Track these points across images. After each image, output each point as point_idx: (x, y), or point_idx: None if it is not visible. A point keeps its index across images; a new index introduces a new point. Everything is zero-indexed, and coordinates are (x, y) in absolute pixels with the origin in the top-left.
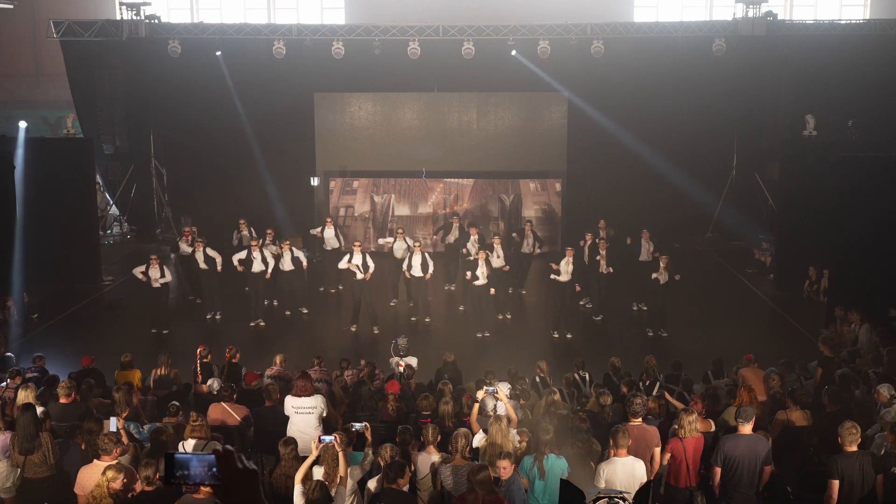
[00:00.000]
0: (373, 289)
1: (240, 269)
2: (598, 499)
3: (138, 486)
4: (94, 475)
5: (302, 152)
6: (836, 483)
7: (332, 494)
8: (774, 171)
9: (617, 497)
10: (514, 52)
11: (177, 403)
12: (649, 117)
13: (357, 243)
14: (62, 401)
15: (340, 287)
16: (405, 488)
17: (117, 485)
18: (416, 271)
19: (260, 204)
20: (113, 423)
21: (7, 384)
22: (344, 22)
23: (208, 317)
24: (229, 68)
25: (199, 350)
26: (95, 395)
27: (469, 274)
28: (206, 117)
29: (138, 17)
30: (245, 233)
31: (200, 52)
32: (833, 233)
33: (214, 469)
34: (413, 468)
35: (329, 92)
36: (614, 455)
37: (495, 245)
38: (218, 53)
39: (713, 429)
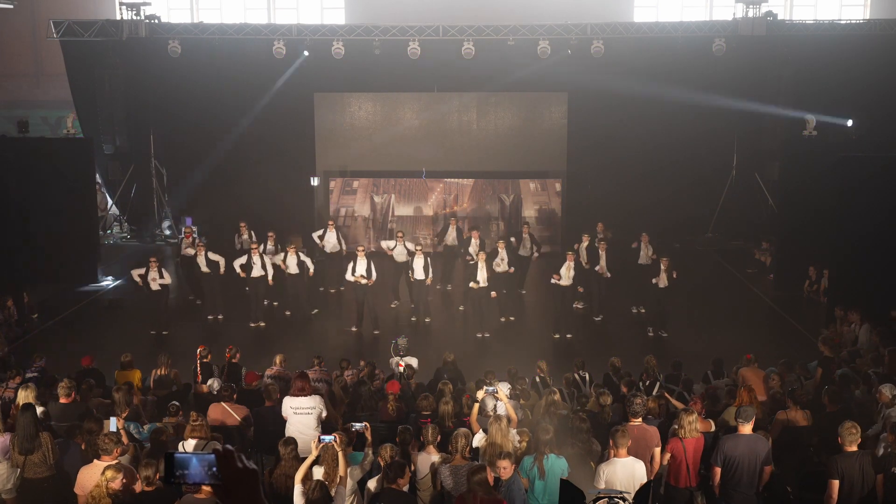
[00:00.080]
0: (375, 291)
1: (242, 274)
2: (598, 499)
3: (138, 486)
4: (94, 475)
5: (302, 152)
6: (836, 483)
7: (332, 494)
8: (774, 171)
9: (617, 497)
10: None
11: (177, 403)
12: (649, 117)
13: (360, 248)
14: (62, 401)
15: (342, 288)
16: (405, 488)
17: (116, 485)
18: (419, 274)
19: (260, 204)
20: (113, 423)
21: (7, 384)
22: (344, 22)
23: (209, 318)
24: (229, 68)
25: (199, 350)
26: (95, 395)
27: (473, 284)
28: (206, 117)
29: (138, 17)
30: (245, 236)
31: (200, 52)
32: (833, 233)
33: (214, 469)
34: (413, 468)
35: (329, 92)
36: (614, 455)
37: (500, 249)
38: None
39: (713, 429)
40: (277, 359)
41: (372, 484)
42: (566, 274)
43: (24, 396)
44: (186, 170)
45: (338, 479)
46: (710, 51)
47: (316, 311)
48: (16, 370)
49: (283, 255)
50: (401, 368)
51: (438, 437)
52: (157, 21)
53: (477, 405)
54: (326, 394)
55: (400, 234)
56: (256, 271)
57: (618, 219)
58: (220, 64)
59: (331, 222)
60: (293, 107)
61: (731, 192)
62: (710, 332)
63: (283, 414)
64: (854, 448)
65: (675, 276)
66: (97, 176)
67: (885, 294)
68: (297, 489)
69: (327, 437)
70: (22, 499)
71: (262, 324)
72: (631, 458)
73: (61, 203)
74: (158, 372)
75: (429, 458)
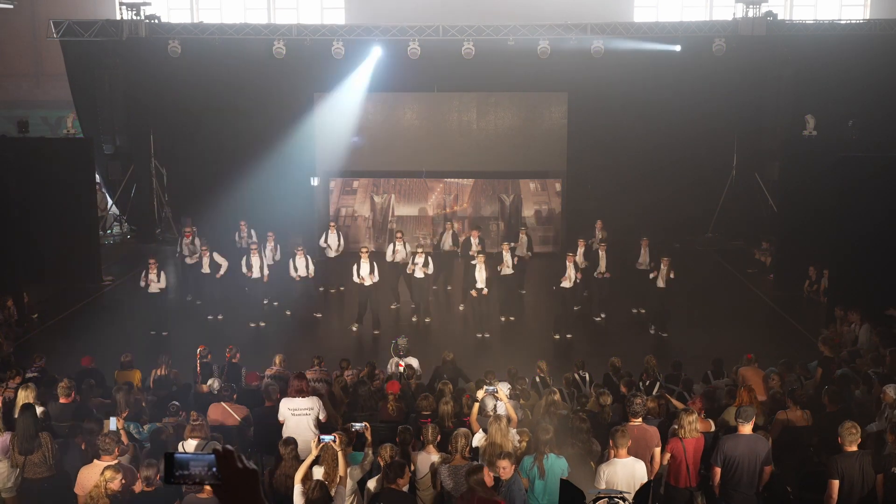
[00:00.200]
0: (377, 291)
1: (249, 274)
2: (598, 499)
3: (138, 486)
4: (94, 475)
5: (302, 152)
6: (836, 483)
7: (332, 494)
8: (774, 171)
9: (617, 497)
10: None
11: (177, 403)
12: (649, 117)
13: (364, 249)
14: (62, 401)
15: (342, 288)
16: (405, 488)
17: (115, 485)
18: (419, 273)
19: (260, 204)
20: (113, 423)
21: (7, 384)
22: (344, 22)
23: (209, 317)
24: (229, 68)
25: (199, 350)
26: (95, 395)
27: (473, 291)
28: (207, 117)
29: (138, 17)
30: (245, 235)
31: (200, 52)
32: (833, 233)
33: (214, 469)
34: (413, 468)
35: (329, 92)
36: (614, 456)
37: (504, 252)
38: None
39: (713, 429)
40: (277, 359)
41: (372, 484)
42: (570, 275)
43: (24, 396)
44: (186, 170)
45: (337, 479)
46: (710, 51)
47: (319, 314)
48: (16, 370)
49: (290, 258)
50: (401, 368)
51: (438, 437)
52: (157, 21)
53: (477, 405)
54: (326, 394)
55: (399, 234)
56: (255, 272)
57: (618, 219)
58: (220, 64)
59: (332, 224)
60: (293, 107)
61: (731, 192)
62: (710, 332)
63: (280, 417)
64: (854, 448)
65: (672, 275)
66: (97, 176)
67: (884, 294)
68: (297, 489)
69: (327, 437)
70: (22, 499)
71: (262, 324)
72: (631, 458)
73: (61, 203)
74: (158, 372)
75: (428, 457)
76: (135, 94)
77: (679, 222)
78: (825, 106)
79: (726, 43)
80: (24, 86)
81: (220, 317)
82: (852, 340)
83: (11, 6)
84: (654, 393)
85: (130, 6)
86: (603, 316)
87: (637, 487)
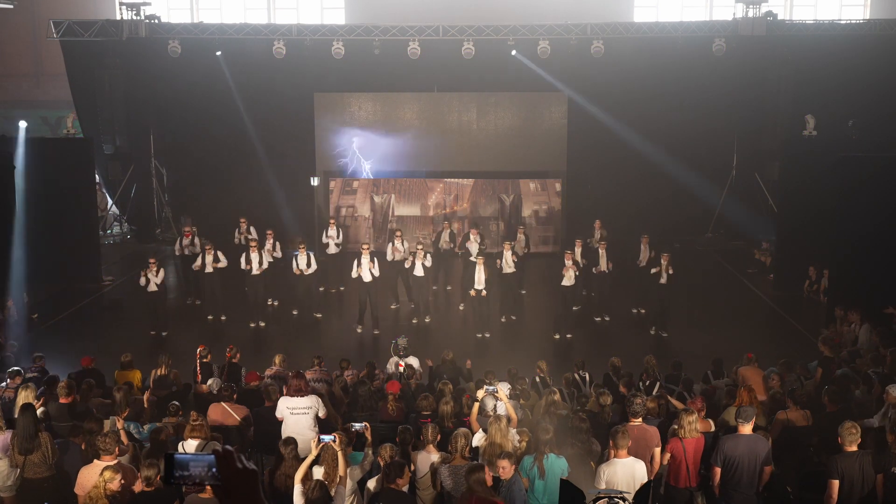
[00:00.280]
0: (377, 290)
1: (247, 267)
2: (598, 499)
3: (137, 486)
4: (94, 475)
5: (302, 152)
6: (836, 483)
7: (332, 494)
8: (774, 171)
9: (617, 497)
10: (514, 52)
11: (177, 403)
12: (649, 117)
13: (365, 245)
14: (62, 401)
15: (342, 287)
16: (405, 488)
17: (115, 485)
18: (418, 271)
19: (260, 204)
20: (113, 423)
21: (7, 384)
22: (344, 22)
23: (210, 318)
24: (229, 68)
25: (198, 350)
26: (95, 395)
27: (472, 291)
28: (206, 117)
29: (138, 17)
30: (245, 232)
31: (200, 52)
32: (833, 233)
33: (214, 469)
34: (413, 468)
35: (329, 92)
36: (614, 456)
37: (505, 252)
38: (218, 53)
39: (713, 429)
40: (277, 359)
41: (372, 484)
42: (568, 274)
43: (24, 396)
44: (186, 170)
45: (337, 479)
46: (710, 51)
47: (319, 315)
48: (16, 370)
49: (294, 255)
50: (401, 368)
51: (438, 437)
52: (157, 21)
53: (477, 405)
54: (326, 394)
55: (398, 233)
56: (255, 267)
57: (618, 219)
58: (220, 64)
59: (332, 220)
60: (293, 107)
61: (731, 192)
62: (710, 332)
63: (279, 414)
64: (854, 448)
65: (671, 271)
66: (97, 176)
67: (884, 294)
68: (297, 489)
69: (327, 437)
70: (22, 498)
71: (262, 324)
72: (631, 458)
73: (61, 203)
74: (158, 372)
75: (428, 457)
76: (135, 94)
77: (679, 222)
78: (825, 106)
79: (726, 43)
80: (24, 86)
81: (222, 317)
82: (852, 340)
83: (11, 6)
84: (654, 393)
85: (130, 6)
86: (607, 319)
87: (637, 487)
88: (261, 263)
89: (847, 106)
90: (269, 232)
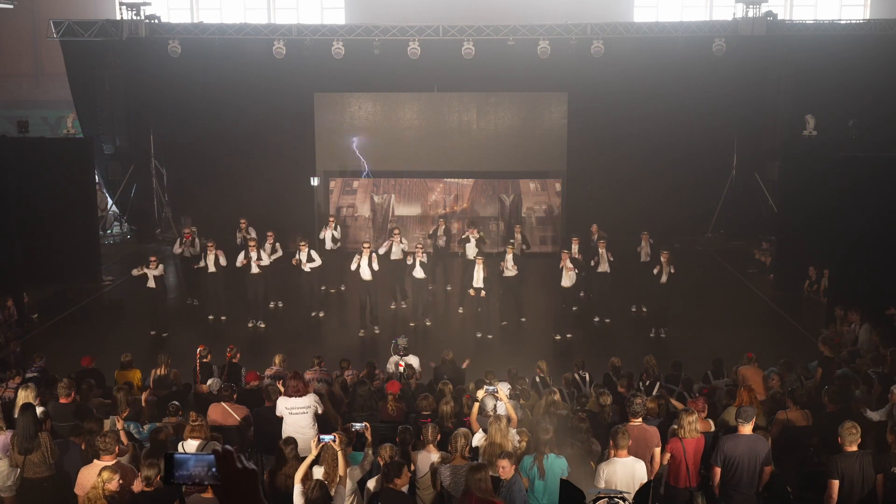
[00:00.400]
0: (377, 291)
1: (244, 262)
2: (598, 499)
3: (137, 486)
4: (93, 475)
5: (302, 152)
6: (836, 483)
7: (332, 494)
8: (774, 171)
9: (617, 497)
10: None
11: (177, 403)
12: (649, 117)
13: (366, 244)
14: (62, 401)
15: (343, 287)
16: (405, 488)
17: (113, 486)
18: (418, 273)
19: (260, 204)
20: (113, 423)
21: (7, 384)
22: (344, 22)
23: (211, 318)
24: (229, 68)
25: (198, 350)
26: (95, 395)
27: (471, 291)
28: (206, 117)
29: (138, 17)
30: (245, 233)
31: (200, 52)
32: (833, 233)
33: (214, 469)
34: (413, 468)
35: (329, 92)
36: (614, 455)
37: (507, 255)
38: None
39: (713, 429)
40: (277, 359)
41: (371, 484)
42: (565, 274)
43: (24, 396)
44: (186, 170)
45: (337, 479)
46: (710, 51)
47: (319, 314)
48: (16, 370)
49: (301, 251)
50: (401, 368)
51: (438, 437)
52: (157, 21)
53: (477, 405)
54: (326, 394)
55: (397, 232)
56: (253, 267)
57: (618, 218)
58: (220, 64)
59: (331, 218)
60: (293, 107)
61: (731, 192)
62: (710, 332)
63: (278, 413)
64: (854, 448)
65: (672, 270)
66: (97, 176)
67: (884, 294)
68: (297, 489)
69: (327, 437)
70: (21, 498)
71: (262, 324)
72: (631, 458)
73: (61, 203)
74: (158, 372)
75: (429, 457)
76: (135, 94)
77: (679, 222)
78: (825, 106)
79: (726, 43)
80: (24, 86)
81: (222, 317)
82: (852, 340)
83: (11, 6)
84: (654, 393)
85: (130, 6)
86: (607, 321)
87: (637, 487)
88: (258, 261)
89: (847, 106)
90: (269, 234)
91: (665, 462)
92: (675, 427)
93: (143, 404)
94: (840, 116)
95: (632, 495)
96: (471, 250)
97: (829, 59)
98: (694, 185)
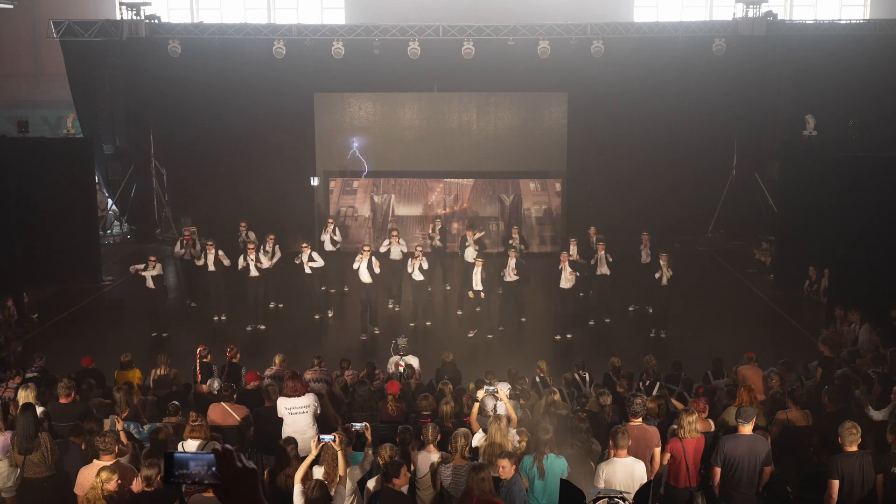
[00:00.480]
0: (378, 293)
1: (242, 265)
2: (598, 499)
3: (137, 486)
4: (93, 475)
5: (302, 152)
6: (836, 483)
7: (332, 494)
8: (774, 171)
9: (617, 497)
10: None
11: (177, 403)
12: (649, 117)
13: (367, 247)
14: (62, 401)
15: (346, 288)
16: (404, 488)
17: (111, 486)
18: (417, 275)
19: (260, 204)
20: (112, 423)
21: (7, 384)
22: (344, 22)
23: (215, 318)
24: (229, 68)
25: (198, 350)
26: (95, 395)
27: (471, 293)
28: (206, 117)
29: (138, 17)
30: (245, 236)
31: (200, 52)
32: (833, 233)
33: (213, 468)
34: (413, 468)
35: (329, 92)
36: (614, 455)
37: (510, 259)
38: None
39: (713, 429)
40: (277, 359)
41: (371, 483)
42: (564, 276)
43: (24, 396)
44: (186, 170)
45: (337, 479)
46: (710, 51)
47: (318, 316)
48: (16, 370)
49: (304, 253)
50: (401, 368)
51: (438, 437)
52: (157, 21)
53: (477, 405)
54: (326, 394)
55: (395, 233)
56: (252, 271)
57: (618, 219)
58: (220, 64)
59: (330, 220)
60: (293, 107)
61: (731, 192)
62: (710, 332)
63: (279, 414)
64: (854, 448)
65: (671, 273)
66: (97, 176)
67: (884, 294)
68: (297, 489)
69: (327, 437)
70: (22, 498)
71: (262, 326)
72: (631, 458)
73: (61, 203)
74: (158, 372)
75: (429, 457)
76: (135, 94)
77: (679, 222)
78: (825, 106)
79: (726, 43)
80: (24, 86)
81: (223, 317)
82: (852, 340)
83: (11, 6)
84: (654, 393)
85: (130, 6)
86: (607, 321)
87: (636, 488)
88: (257, 265)
89: (847, 106)
90: (270, 237)
91: (665, 462)
92: (675, 427)
93: (136, 401)
94: (840, 116)
95: (632, 495)
96: (469, 254)
97: (829, 59)
98: (694, 185)
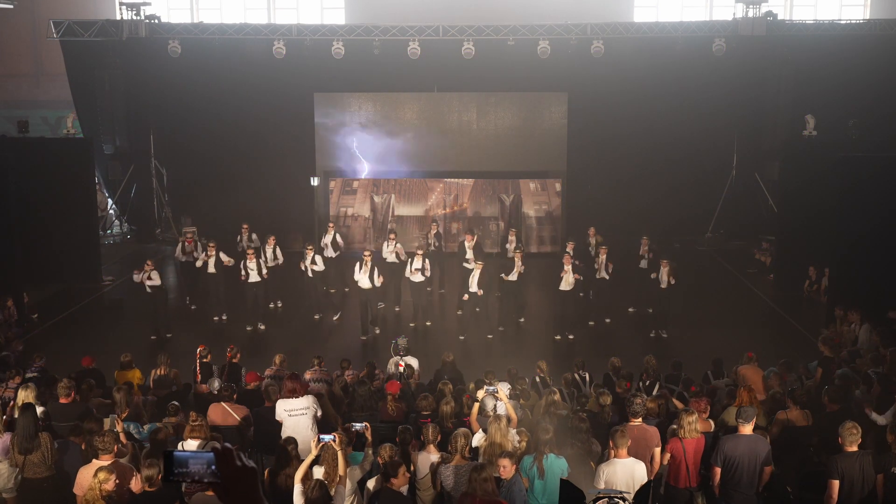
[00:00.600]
0: (378, 297)
1: (242, 278)
2: (598, 499)
3: (137, 486)
4: (91, 475)
5: (302, 152)
6: (836, 483)
7: (332, 494)
8: (774, 171)
9: (617, 497)
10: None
11: (177, 403)
12: (649, 117)
13: (367, 253)
14: (62, 401)
15: (346, 290)
16: (404, 488)
17: (109, 486)
18: (417, 276)
19: (260, 204)
20: (112, 423)
21: (7, 384)
22: (344, 22)
23: (215, 318)
24: (229, 68)
25: (198, 350)
26: (95, 395)
27: (466, 296)
28: (206, 117)
29: (138, 17)
30: (247, 239)
31: (200, 52)
32: (833, 233)
33: (213, 467)
34: (413, 468)
35: (329, 92)
36: (614, 456)
37: (517, 260)
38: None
39: (713, 429)
40: (277, 359)
41: (371, 483)
42: (566, 279)
43: (24, 396)
44: (186, 170)
45: (337, 479)
46: (710, 51)
47: (318, 316)
48: (16, 370)
49: (307, 256)
50: (401, 368)
51: (438, 437)
52: (157, 21)
53: (477, 405)
54: (326, 394)
55: (392, 235)
56: (253, 277)
57: (618, 219)
58: (220, 64)
59: (331, 224)
60: (293, 107)
61: (731, 192)
62: (710, 332)
63: (277, 418)
64: (854, 448)
65: (672, 281)
66: (97, 176)
67: (884, 294)
68: (297, 489)
69: (327, 437)
70: (22, 499)
71: (262, 327)
72: (631, 458)
73: (61, 203)
74: (158, 372)
75: (429, 457)
76: (135, 94)
77: (679, 222)
78: (825, 106)
79: (726, 43)
80: (24, 86)
81: (223, 318)
82: (852, 340)
83: (11, 6)
84: (654, 393)
85: (130, 6)
86: (608, 321)
87: (636, 488)
88: (260, 272)
89: (847, 106)
90: (271, 238)
91: (665, 462)
92: (675, 427)
93: (137, 400)
94: (840, 116)
95: (632, 495)
96: (468, 255)
97: (829, 59)
98: (694, 185)
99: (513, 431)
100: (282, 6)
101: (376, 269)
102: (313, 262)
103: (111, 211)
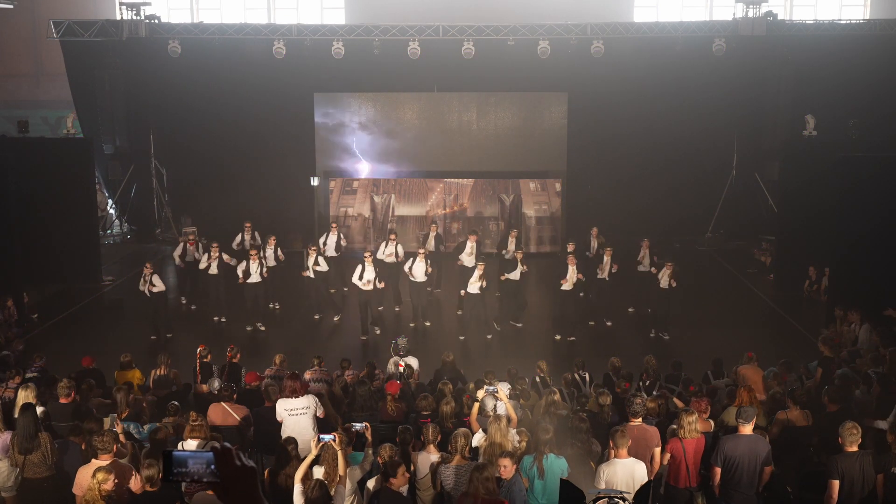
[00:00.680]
0: (377, 297)
1: (241, 281)
2: (598, 499)
3: (137, 486)
4: (90, 475)
5: (302, 152)
6: (836, 483)
7: (332, 494)
8: (774, 171)
9: (617, 497)
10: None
11: (176, 403)
12: (649, 117)
13: (368, 254)
14: (62, 401)
15: (346, 290)
16: (403, 488)
17: (108, 486)
18: (420, 276)
19: (260, 204)
20: (111, 423)
21: (7, 384)
22: (344, 22)
23: (215, 318)
24: (229, 68)
25: (198, 350)
26: (95, 395)
27: (463, 292)
28: (206, 117)
29: (138, 17)
30: (248, 238)
31: (200, 52)
32: (833, 233)
33: (212, 466)
34: (413, 468)
35: (329, 92)
36: (614, 456)
37: (518, 258)
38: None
39: (713, 429)
40: (277, 359)
41: (371, 483)
42: (571, 278)
43: (24, 396)
44: (186, 170)
45: (337, 479)
46: (710, 51)
47: (318, 316)
48: (16, 370)
49: (310, 257)
50: (401, 368)
51: (438, 437)
52: (157, 21)
53: (477, 405)
54: (326, 394)
55: (393, 236)
56: (253, 278)
57: (618, 219)
58: (220, 64)
59: (334, 225)
60: (293, 107)
61: (731, 192)
62: (710, 332)
63: (278, 417)
64: (854, 448)
65: (673, 284)
66: (97, 176)
67: (884, 294)
68: (297, 489)
69: (327, 437)
70: (22, 498)
71: (262, 327)
72: (631, 458)
73: (61, 203)
74: (158, 372)
75: (429, 457)
76: (135, 94)
77: (679, 222)
78: (825, 106)
79: (726, 43)
80: (24, 86)
81: (223, 318)
82: (852, 340)
83: (11, 6)
84: (654, 393)
85: (130, 6)
86: (609, 323)
87: (636, 488)
88: (261, 273)
89: (847, 106)
90: (271, 238)
91: (665, 462)
92: (675, 427)
93: (138, 400)
94: (840, 116)
95: (632, 495)
96: (468, 260)
97: (829, 59)
98: (694, 185)
99: (513, 431)
100: (282, 6)
101: (378, 269)
102: (316, 262)
103: (111, 211)
